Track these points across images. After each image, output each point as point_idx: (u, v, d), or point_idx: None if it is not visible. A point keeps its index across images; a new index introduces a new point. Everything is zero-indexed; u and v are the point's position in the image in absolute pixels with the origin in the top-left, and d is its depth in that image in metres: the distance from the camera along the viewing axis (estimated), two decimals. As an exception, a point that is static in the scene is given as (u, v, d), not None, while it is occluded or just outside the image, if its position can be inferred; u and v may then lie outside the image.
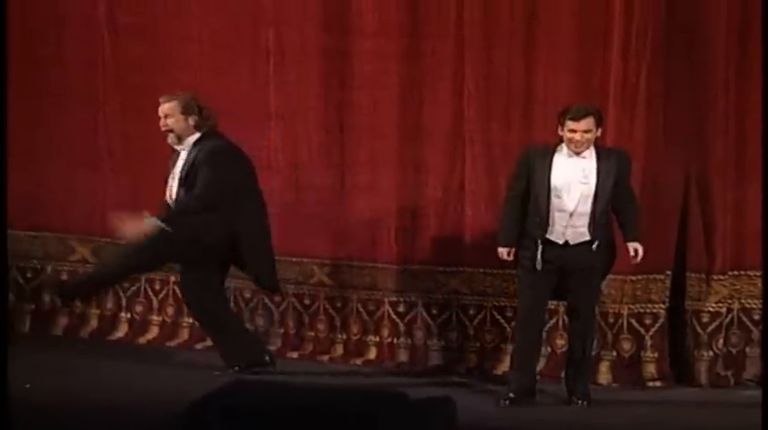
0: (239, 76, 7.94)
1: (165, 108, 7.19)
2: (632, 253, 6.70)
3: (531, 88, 7.46)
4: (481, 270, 7.55)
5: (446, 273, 7.69)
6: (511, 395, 6.72)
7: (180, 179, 7.13)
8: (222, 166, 7.06)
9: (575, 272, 6.66)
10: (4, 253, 7.50)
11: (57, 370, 7.20)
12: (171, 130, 7.18)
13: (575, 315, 6.79)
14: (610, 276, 7.15)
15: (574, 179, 6.64)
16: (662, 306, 7.36)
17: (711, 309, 7.33)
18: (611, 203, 6.67)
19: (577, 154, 6.65)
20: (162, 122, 7.20)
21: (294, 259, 7.92)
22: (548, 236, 6.64)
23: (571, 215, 6.63)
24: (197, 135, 7.17)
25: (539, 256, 6.64)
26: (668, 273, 7.36)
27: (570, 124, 6.62)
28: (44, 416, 6.09)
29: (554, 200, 6.64)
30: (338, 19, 7.80)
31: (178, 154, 7.22)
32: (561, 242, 6.64)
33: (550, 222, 6.63)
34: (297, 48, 7.87)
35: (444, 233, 7.69)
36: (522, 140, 7.40)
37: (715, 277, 7.30)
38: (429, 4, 7.66)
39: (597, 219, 6.63)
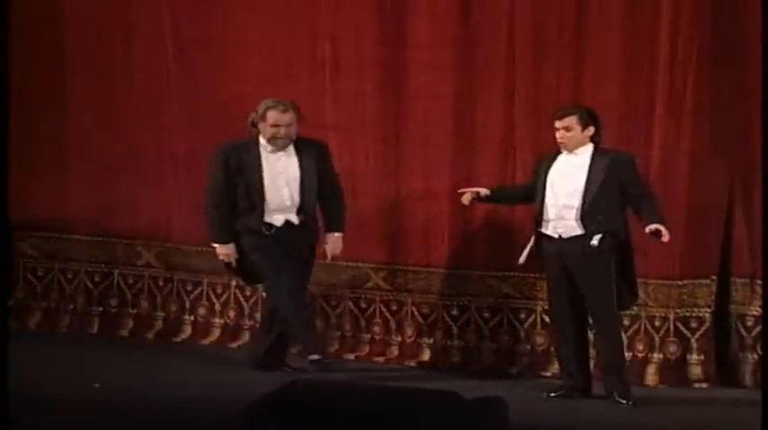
0: (297, 87, 8.00)
1: (287, 118, 7.21)
2: (653, 231, 6.59)
3: (579, 98, 7.49)
4: (531, 275, 7.62)
5: (497, 278, 7.76)
6: (557, 391, 6.91)
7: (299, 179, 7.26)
8: None
9: (582, 271, 6.75)
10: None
11: (122, 369, 7.37)
12: (285, 137, 7.24)
13: (594, 318, 6.87)
14: (657, 281, 7.29)
15: (564, 174, 6.83)
16: (707, 310, 7.40)
17: (756, 313, 7.35)
18: (631, 205, 6.75)
19: (569, 151, 6.85)
20: (281, 131, 7.22)
21: (351, 263, 8.02)
22: (543, 230, 6.84)
23: (560, 208, 6.80)
24: None
25: (527, 249, 6.88)
26: (713, 277, 7.40)
27: (555, 123, 6.87)
28: (101, 414, 6.26)
29: (547, 194, 6.85)
30: (393, 31, 7.88)
31: (259, 157, 7.23)
32: (556, 236, 6.81)
33: (544, 217, 6.84)
34: (353, 59, 7.96)
35: (496, 238, 7.76)
36: (571, 148, 7.56)
37: (759, 282, 7.30)
38: (481, 16, 7.72)
39: (588, 213, 6.73)
